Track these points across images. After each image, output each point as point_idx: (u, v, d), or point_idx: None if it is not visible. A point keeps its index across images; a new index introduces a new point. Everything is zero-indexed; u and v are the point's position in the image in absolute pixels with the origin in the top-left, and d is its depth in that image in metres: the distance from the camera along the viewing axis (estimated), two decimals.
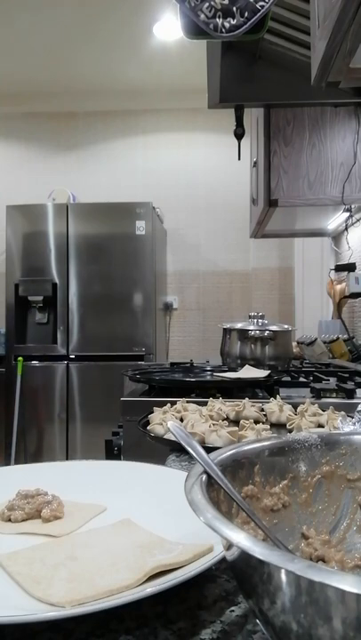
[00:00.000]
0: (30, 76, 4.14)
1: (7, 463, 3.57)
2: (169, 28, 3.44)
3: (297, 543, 0.44)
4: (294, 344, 2.37)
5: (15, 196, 4.16)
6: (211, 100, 1.95)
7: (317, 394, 1.39)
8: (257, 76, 1.90)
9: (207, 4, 1.20)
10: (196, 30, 1.24)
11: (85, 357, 3.71)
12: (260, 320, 1.85)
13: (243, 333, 1.81)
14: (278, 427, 1.02)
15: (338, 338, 2.50)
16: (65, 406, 3.69)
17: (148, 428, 0.97)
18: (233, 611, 0.41)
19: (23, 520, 0.57)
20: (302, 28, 1.63)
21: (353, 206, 2.35)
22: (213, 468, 0.40)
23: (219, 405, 1.08)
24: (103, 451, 1.44)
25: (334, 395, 1.40)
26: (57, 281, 3.72)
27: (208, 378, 1.69)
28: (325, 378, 1.65)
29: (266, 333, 1.79)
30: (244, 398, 1.11)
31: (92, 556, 0.47)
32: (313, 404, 1.02)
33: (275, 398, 1.12)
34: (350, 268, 2.52)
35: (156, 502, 0.59)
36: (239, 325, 1.85)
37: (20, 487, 0.61)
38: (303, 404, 1.02)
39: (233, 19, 1.20)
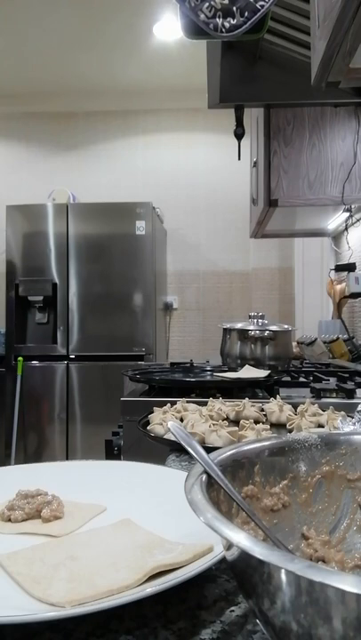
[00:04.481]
0: (30, 76, 4.14)
1: (7, 463, 3.57)
2: (169, 28, 3.44)
3: (297, 543, 0.44)
4: (294, 344, 2.37)
5: (15, 196, 4.16)
6: (211, 100, 1.95)
7: (317, 394, 1.39)
8: (257, 75, 1.90)
9: (207, 4, 1.20)
10: (196, 30, 1.24)
11: (85, 357, 3.71)
12: (260, 320, 1.85)
13: (243, 333, 1.81)
14: (278, 427, 1.02)
15: (338, 338, 2.50)
16: (65, 406, 3.69)
17: (148, 428, 0.97)
18: (233, 611, 0.41)
19: (23, 520, 0.57)
20: (302, 27, 1.63)
21: (353, 206, 2.35)
22: (213, 467, 0.40)
23: (219, 405, 1.08)
24: (103, 451, 1.44)
25: (334, 395, 1.40)
26: (57, 281, 3.72)
27: (208, 378, 1.68)
28: (325, 378, 1.64)
29: (266, 333, 1.79)
30: (244, 398, 1.11)
31: (92, 555, 0.47)
32: (313, 403, 1.02)
33: (275, 398, 1.12)
34: (350, 268, 2.52)
35: (156, 502, 0.59)
36: (239, 325, 1.85)
37: (20, 487, 0.61)
38: (303, 404, 1.02)
39: (233, 18, 1.20)
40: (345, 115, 2.10)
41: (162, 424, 0.95)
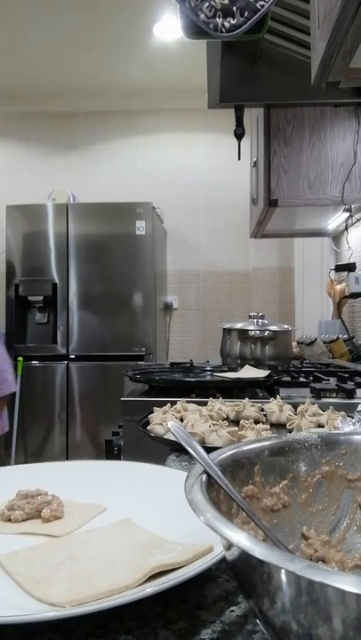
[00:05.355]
0: (30, 76, 4.14)
1: (7, 463, 3.57)
2: (169, 27, 3.44)
3: (297, 543, 0.44)
4: (294, 344, 2.37)
5: (15, 196, 4.16)
6: (211, 100, 1.95)
7: (317, 394, 1.39)
8: (257, 75, 1.90)
9: (207, 4, 1.20)
10: (196, 30, 1.24)
11: (85, 357, 3.71)
12: (260, 320, 1.85)
13: (243, 333, 1.81)
14: (278, 427, 1.02)
15: (338, 338, 2.50)
16: (65, 406, 3.69)
17: (148, 428, 0.97)
18: (233, 611, 0.41)
19: (23, 520, 0.57)
20: (302, 28, 1.63)
21: (353, 206, 2.35)
22: (213, 467, 0.40)
23: (219, 405, 1.08)
24: (103, 451, 1.45)
25: (334, 395, 1.40)
26: (57, 281, 3.72)
27: (208, 378, 1.69)
28: (325, 378, 1.64)
29: (266, 333, 1.79)
30: (244, 398, 1.11)
31: (92, 555, 0.47)
32: (313, 403, 1.02)
33: (275, 398, 1.12)
34: (350, 268, 2.52)
35: (156, 502, 0.59)
36: (239, 325, 1.85)
37: (20, 487, 0.61)
38: (303, 404, 1.02)
39: (233, 18, 1.20)
40: (345, 115, 2.10)
41: (162, 424, 0.95)
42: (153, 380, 1.60)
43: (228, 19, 1.20)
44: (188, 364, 2.03)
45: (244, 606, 0.41)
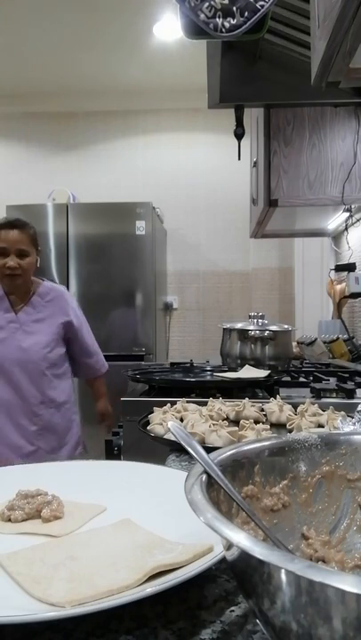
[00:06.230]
0: (30, 76, 4.14)
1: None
2: (169, 27, 3.44)
3: (297, 543, 0.44)
4: (294, 344, 2.37)
5: (15, 196, 4.15)
6: (211, 100, 1.95)
7: (317, 394, 1.39)
8: (257, 75, 1.90)
9: (207, 4, 1.20)
10: (196, 30, 1.24)
11: None
12: (260, 320, 1.85)
13: (243, 333, 1.81)
14: (278, 427, 1.02)
15: (338, 338, 2.50)
16: None
17: (148, 428, 0.97)
18: (233, 611, 0.41)
19: (23, 520, 0.57)
20: (302, 28, 1.63)
21: (353, 206, 2.35)
22: (213, 468, 0.40)
23: (219, 405, 1.08)
24: (103, 451, 1.45)
25: (334, 395, 1.40)
26: (57, 281, 3.72)
27: (208, 378, 1.69)
28: (325, 378, 1.64)
29: (266, 333, 1.79)
30: (244, 398, 1.11)
31: (92, 555, 0.47)
32: (313, 404, 1.02)
33: (275, 398, 1.12)
34: (350, 268, 2.52)
35: (156, 502, 0.59)
36: (239, 325, 1.85)
37: (20, 487, 0.61)
38: (303, 404, 1.02)
39: (233, 18, 1.20)
40: (345, 115, 2.10)
41: (162, 424, 0.95)
42: (153, 379, 1.60)
43: (228, 19, 1.20)
44: (188, 364, 2.03)
45: (244, 606, 0.41)
